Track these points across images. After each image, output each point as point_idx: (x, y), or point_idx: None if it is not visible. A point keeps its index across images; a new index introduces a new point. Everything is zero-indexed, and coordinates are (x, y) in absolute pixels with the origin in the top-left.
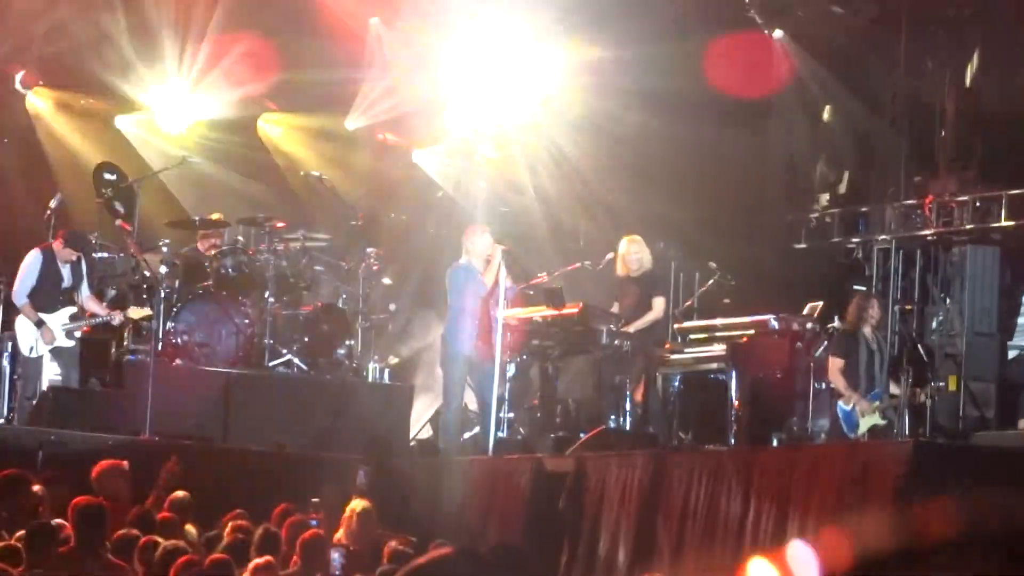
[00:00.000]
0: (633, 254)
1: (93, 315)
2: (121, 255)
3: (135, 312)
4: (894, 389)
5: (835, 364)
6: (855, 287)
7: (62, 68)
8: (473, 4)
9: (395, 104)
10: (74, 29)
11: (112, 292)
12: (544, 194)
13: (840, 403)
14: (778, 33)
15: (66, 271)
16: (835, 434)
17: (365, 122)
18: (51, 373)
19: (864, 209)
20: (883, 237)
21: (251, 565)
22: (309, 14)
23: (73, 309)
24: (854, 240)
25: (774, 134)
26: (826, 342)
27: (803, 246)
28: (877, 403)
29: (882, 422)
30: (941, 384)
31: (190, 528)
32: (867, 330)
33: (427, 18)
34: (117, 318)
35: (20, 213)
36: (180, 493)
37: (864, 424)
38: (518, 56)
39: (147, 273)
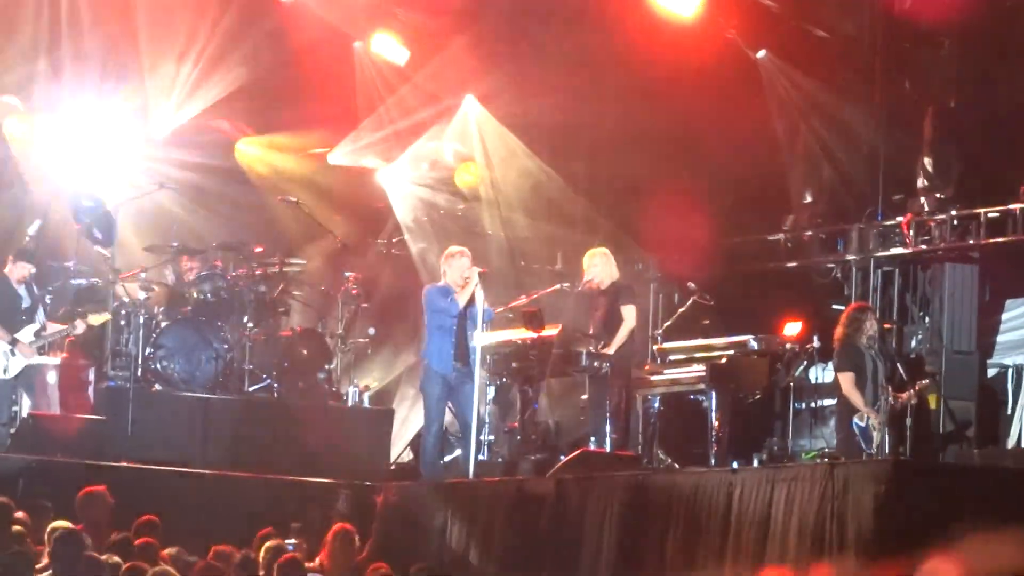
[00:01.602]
0: (594, 267)
1: (56, 331)
2: (99, 281)
3: (95, 318)
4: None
5: (847, 379)
6: (834, 306)
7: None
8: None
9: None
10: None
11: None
12: (520, 217)
13: (855, 419)
14: (761, 54)
15: (23, 291)
16: (851, 450)
17: (350, 161)
18: (27, 399)
19: (843, 228)
20: (861, 256)
21: None
22: (291, 37)
23: (36, 326)
24: (833, 259)
25: (753, 154)
26: (806, 362)
27: (782, 266)
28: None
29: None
30: (926, 382)
31: (170, 552)
32: (864, 341)
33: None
34: (79, 327)
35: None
36: (148, 517)
37: (878, 437)
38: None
39: (125, 299)
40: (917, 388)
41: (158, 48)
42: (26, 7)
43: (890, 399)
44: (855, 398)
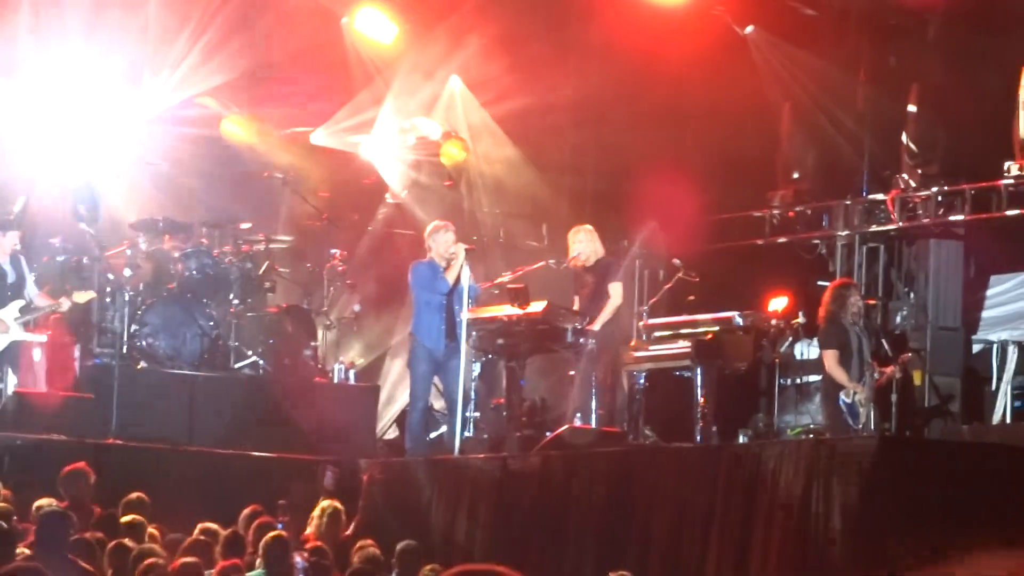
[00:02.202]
0: (579, 243)
1: (41, 307)
2: (84, 258)
3: (80, 296)
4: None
5: (832, 356)
6: (819, 282)
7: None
8: None
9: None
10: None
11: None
12: (507, 191)
13: (841, 395)
14: (749, 29)
15: (8, 267)
16: (838, 426)
17: (334, 143)
18: (12, 376)
19: (828, 204)
20: (846, 232)
21: (216, 567)
22: (278, 14)
23: (22, 302)
24: (817, 236)
25: (737, 131)
26: (791, 338)
27: (767, 242)
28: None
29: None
30: (909, 355)
31: (154, 531)
32: (849, 318)
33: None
34: (65, 304)
35: None
36: (136, 494)
37: (864, 413)
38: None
39: (111, 276)
40: (900, 362)
41: (150, 28)
42: None
43: (875, 374)
44: (838, 375)
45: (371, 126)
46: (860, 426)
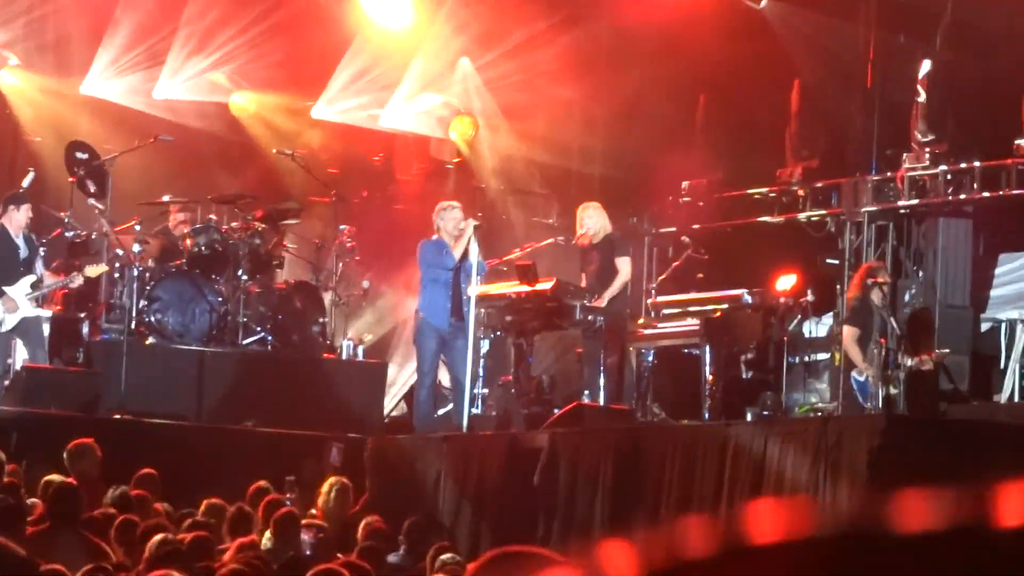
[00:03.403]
0: (588, 219)
1: (53, 283)
2: (94, 235)
3: (92, 270)
4: (900, 358)
5: (851, 334)
6: (828, 260)
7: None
8: None
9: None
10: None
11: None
12: (514, 169)
13: (853, 374)
14: (764, 3)
15: (20, 242)
16: (849, 405)
17: (332, 115)
18: (21, 352)
19: (837, 182)
20: (855, 210)
21: (233, 544)
22: None
23: (33, 278)
24: (826, 213)
25: (746, 107)
26: (800, 316)
27: (775, 220)
28: (888, 372)
29: (895, 391)
30: (946, 351)
31: (161, 506)
32: (876, 298)
33: None
34: (77, 279)
35: None
36: (147, 470)
37: (880, 394)
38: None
39: (119, 252)
40: (934, 356)
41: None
42: None
43: (909, 361)
44: (853, 352)
45: (372, 99)
46: (869, 405)
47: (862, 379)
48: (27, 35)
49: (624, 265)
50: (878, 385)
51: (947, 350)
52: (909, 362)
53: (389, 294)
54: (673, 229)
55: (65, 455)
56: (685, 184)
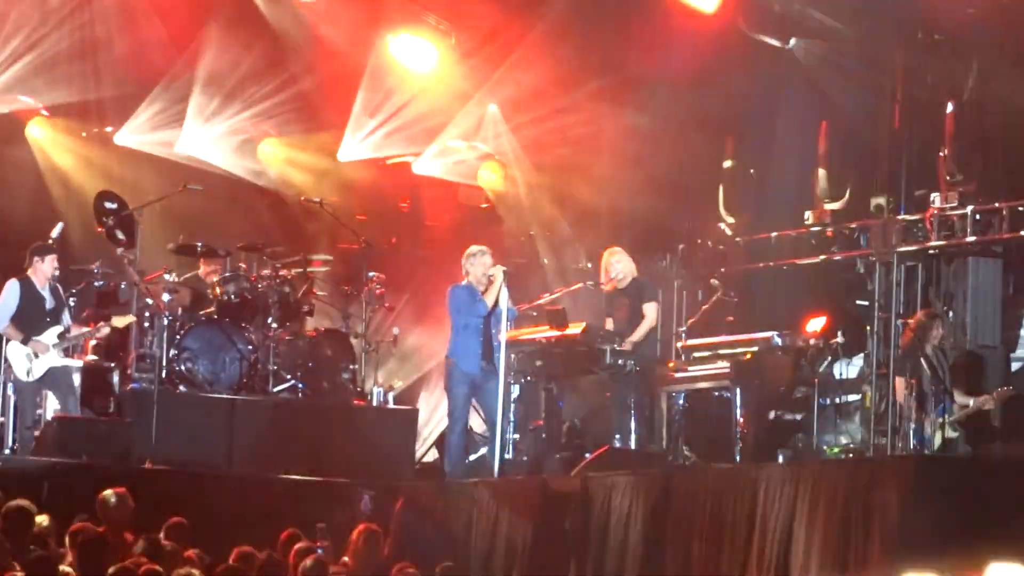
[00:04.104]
0: (615, 264)
1: (80, 333)
2: (124, 284)
3: (119, 320)
4: (961, 400)
5: (900, 383)
6: (858, 301)
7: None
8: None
9: (392, 131)
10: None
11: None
12: (543, 214)
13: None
14: (793, 42)
15: (47, 293)
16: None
17: (360, 155)
18: (51, 403)
19: (866, 223)
20: (884, 251)
21: None
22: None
23: (60, 328)
24: (856, 254)
25: (777, 150)
26: (830, 358)
27: (805, 261)
28: (946, 417)
29: (954, 434)
30: (1009, 388)
31: (193, 553)
32: (928, 348)
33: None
34: (104, 329)
35: (22, 243)
36: (176, 519)
37: (936, 440)
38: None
39: (149, 301)
40: (996, 395)
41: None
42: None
43: (971, 402)
44: (901, 401)
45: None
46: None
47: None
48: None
49: (651, 311)
50: (940, 431)
51: (1011, 387)
52: (971, 403)
53: (418, 340)
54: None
55: (97, 504)
56: (715, 228)
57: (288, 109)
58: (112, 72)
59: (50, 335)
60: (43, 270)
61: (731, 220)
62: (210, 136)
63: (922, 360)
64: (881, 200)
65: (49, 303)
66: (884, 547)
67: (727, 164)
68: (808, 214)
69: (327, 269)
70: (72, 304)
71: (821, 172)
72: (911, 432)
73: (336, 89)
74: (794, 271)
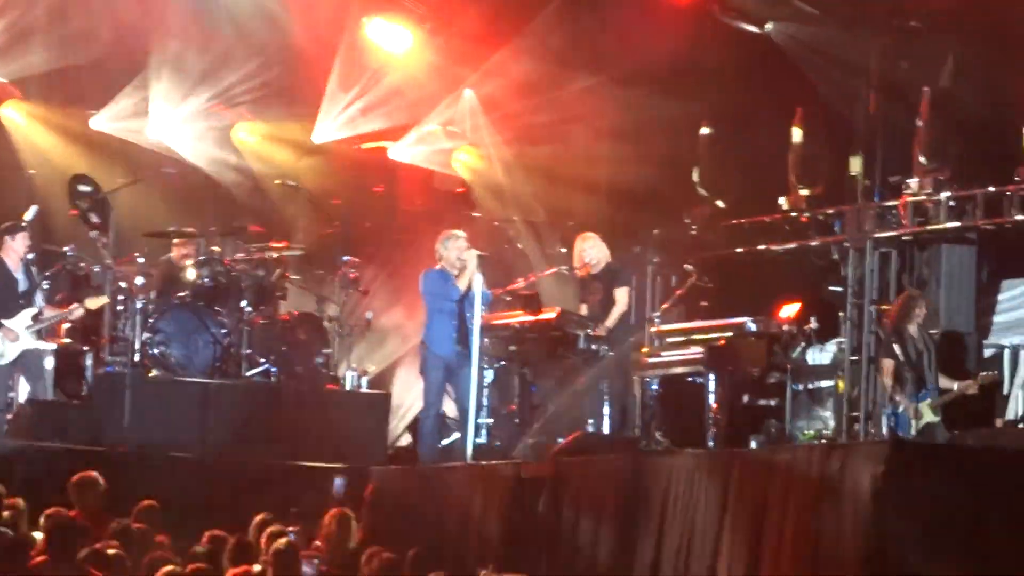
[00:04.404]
0: (588, 249)
1: (53, 315)
2: (97, 267)
3: (93, 302)
4: (944, 384)
5: (887, 366)
6: (832, 287)
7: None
8: None
9: (366, 111)
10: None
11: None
12: (519, 198)
13: (890, 408)
14: (769, 25)
15: (20, 275)
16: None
17: (334, 136)
18: (24, 386)
19: (840, 210)
20: (858, 237)
21: (228, 574)
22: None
23: (34, 310)
24: (829, 240)
25: (751, 136)
26: (803, 344)
27: (779, 247)
28: (928, 401)
29: (935, 419)
30: (993, 373)
31: (164, 539)
32: (913, 329)
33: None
34: (77, 311)
35: None
36: (148, 503)
37: (918, 424)
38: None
39: (123, 284)
40: (980, 379)
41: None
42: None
43: (955, 386)
44: (886, 383)
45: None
46: (910, 435)
47: (900, 411)
48: (36, 66)
49: (622, 296)
50: (921, 417)
51: (994, 372)
52: (955, 386)
53: (392, 324)
54: (677, 257)
55: (69, 488)
56: (688, 214)
57: (263, 93)
58: (87, 54)
59: (23, 317)
60: (15, 248)
61: (706, 194)
62: (182, 119)
63: (906, 339)
64: (857, 168)
65: (22, 284)
66: (857, 533)
67: (704, 131)
68: (782, 200)
69: (301, 253)
70: (46, 287)
71: (796, 158)
72: (886, 416)
73: (310, 72)
74: (768, 257)
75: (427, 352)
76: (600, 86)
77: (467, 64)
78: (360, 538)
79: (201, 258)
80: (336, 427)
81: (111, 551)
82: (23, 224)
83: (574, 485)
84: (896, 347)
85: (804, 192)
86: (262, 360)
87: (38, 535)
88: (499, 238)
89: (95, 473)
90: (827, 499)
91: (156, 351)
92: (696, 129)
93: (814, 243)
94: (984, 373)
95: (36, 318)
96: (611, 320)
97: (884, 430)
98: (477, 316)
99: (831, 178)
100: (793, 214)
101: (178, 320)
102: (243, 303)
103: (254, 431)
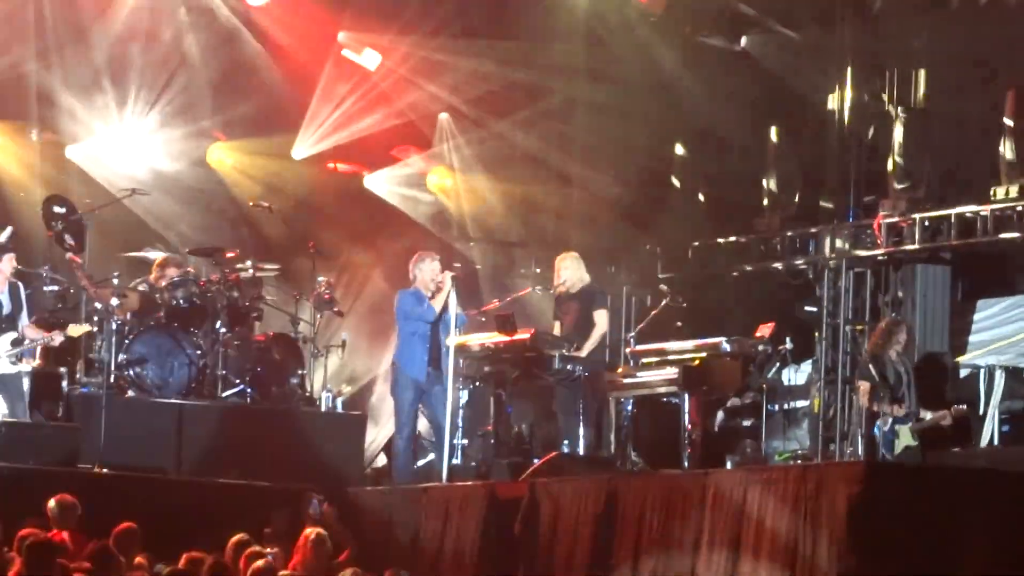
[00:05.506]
0: (565, 269)
1: (33, 340)
2: (72, 289)
3: (75, 329)
4: (921, 413)
5: (864, 387)
6: (806, 307)
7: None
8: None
9: (346, 132)
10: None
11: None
12: (495, 221)
13: (877, 423)
14: (744, 41)
15: (4, 297)
16: (871, 456)
17: (313, 150)
18: (4, 406)
19: (814, 230)
20: (833, 257)
21: None
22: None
23: (14, 335)
24: (804, 261)
25: (725, 156)
26: (779, 364)
27: (753, 267)
28: (909, 425)
29: (914, 443)
30: (964, 407)
31: (141, 560)
32: (893, 354)
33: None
34: (57, 338)
35: None
36: (126, 525)
37: (899, 445)
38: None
39: (98, 305)
40: (953, 412)
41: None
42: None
43: (928, 415)
44: (865, 404)
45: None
46: (893, 456)
47: (887, 428)
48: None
49: (601, 318)
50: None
51: (964, 406)
52: (929, 416)
53: (367, 345)
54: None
55: (47, 509)
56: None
57: (238, 113)
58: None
59: (3, 341)
60: (1, 270)
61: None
62: (159, 140)
63: (884, 363)
64: (829, 204)
65: (6, 308)
66: (832, 554)
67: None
68: (758, 221)
69: (276, 273)
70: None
71: (771, 178)
72: (862, 438)
73: (287, 92)
74: (743, 277)
75: (399, 372)
76: (575, 106)
77: (442, 86)
78: (341, 559)
79: (176, 279)
80: (312, 448)
81: (87, 573)
82: (7, 244)
83: (549, 505)
84: (872, 369)
85: (778, 212)
86: (237, 381)
87: (14, 556)
88: (473, 259)
89: (72, 496)
90: (803, 520)
91: (131, 372)
92: (671, 146)
93: (789, 263)
94: (956, 407)
95: (16, 342)
96: (592, 341)
97: (860, 450)
98: (452, 337)
99: (806, 198)
100: (765, 234)
101: (153, 341)
102: (218, 324)
103: (230, 452)
